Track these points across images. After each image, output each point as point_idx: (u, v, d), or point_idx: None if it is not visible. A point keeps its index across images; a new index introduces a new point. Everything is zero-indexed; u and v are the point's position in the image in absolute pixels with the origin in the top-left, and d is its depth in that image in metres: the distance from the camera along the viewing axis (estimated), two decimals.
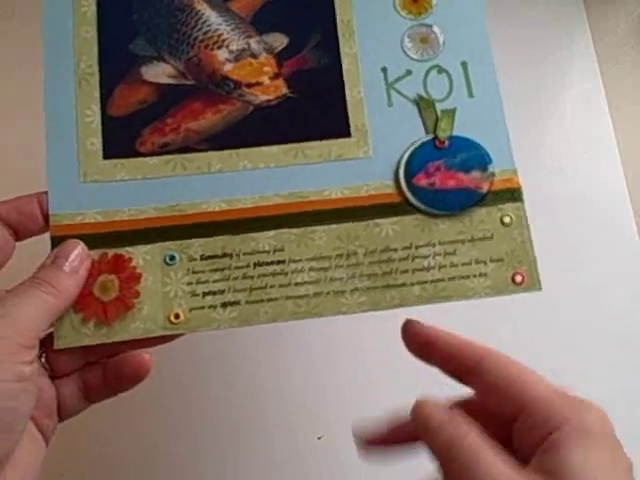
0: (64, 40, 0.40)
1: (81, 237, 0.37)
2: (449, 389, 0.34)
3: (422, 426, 0.32)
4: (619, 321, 0.50)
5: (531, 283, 0.38)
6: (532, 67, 0.58)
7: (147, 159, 0.39)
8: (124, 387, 0.38)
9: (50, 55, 0.40)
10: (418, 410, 0.32)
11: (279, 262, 0.38)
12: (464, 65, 0.41)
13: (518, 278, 0.38)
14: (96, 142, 0.39)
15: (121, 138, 0.39)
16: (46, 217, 0.38)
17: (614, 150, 0.58)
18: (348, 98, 0.41)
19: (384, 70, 0.41)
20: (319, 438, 0.53)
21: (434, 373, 0.35)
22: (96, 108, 0.40)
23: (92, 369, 0.38)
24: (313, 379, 0.54)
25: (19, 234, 0.38)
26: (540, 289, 0.38)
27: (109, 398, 0.39)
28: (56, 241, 0.37)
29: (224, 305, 0.37)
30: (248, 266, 0.38)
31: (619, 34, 0.61)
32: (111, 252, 0.37)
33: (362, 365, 0.54)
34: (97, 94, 0.40)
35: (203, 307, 0.37)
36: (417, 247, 0.38)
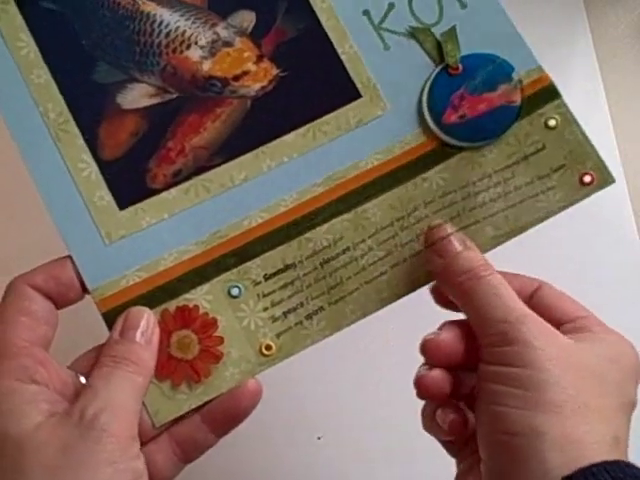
0: (18, 94, 0.35)
1: (133, 302, 0.34)
2: None
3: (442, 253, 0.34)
4: (619, 321, 0.50)
5: (602, 179, 0.36)
6: None
7: (165, 194, 0.35)
8: (235, 424, 0.34)
9: (11, 117, 0.35)
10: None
11: (345, 251, 0.35)
12: None
13: (587, 178, 0.36)
14: (104, 195, 0.35)
15: (129, 181, 0.35)
16: (82, 283, 0.34)
17: (614, 150, 0.57)
18: (342, 56, 0.37)
19: (366, 13, 0.38)
20: (319, 438, 0.52)
21: None
22: (87, 158, 0.35)
23: (184, 423, 0.35)
24: (313, 379, 0.53)
25: (58, 305, 0.34)
26: (614, 181, 0.36)
27: (209, 449, 0.36)
28: (109, 316, 0.34)
29: (309, 317, 0.35)
30: (316, 268, 0.35)
31: (619, 34, 0.60)
32: (171, 306, 0.34)
33: (362, 365, 0.53)
34: (82, 142, 0.35)
35: (290, 328, 0.35)
36: (474, 183, 0.36)
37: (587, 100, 0.59)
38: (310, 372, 0.49)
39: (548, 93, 0.37)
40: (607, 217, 0.53)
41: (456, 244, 0.34)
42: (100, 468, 0.29)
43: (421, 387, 0.34)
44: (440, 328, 0.35)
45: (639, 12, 0.61)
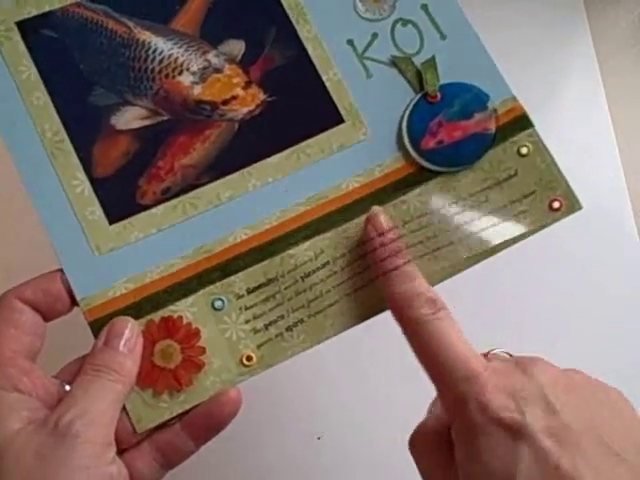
0: (17, 114, 0.37)
1: (119, 312, 0.35)
2: None
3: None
4: (619, 321, 0.51)
5: (570, 206, 0.38)
6: (532, 67, 0.57)
7: (154, 210, 0.37)
8: (214, 432, 0.35)
9: (9, 135, 0.37)
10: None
11: (324, 265, 0.37)
12: (425, 8, 0.40)
13: (556, 204, 0.38)
14: (96, 210, 0.36)
15: (120, 197, 0.37)
16: (72, 296, 0.35)
17: (614, 150, 0.58)
18: (327, 83, 0.39)
19: (350, 42, 0.40)
20: (319, 438, 0.52)
21: None
22: (81, 175, 0.37)
23: (165, 430, 0.35)
24: (313, 379, 0.53)
25: (47, 317, 0.35)
26: (581, 208, 0.38)
27: (190, 456, 0.37)
28: (95, 326, 0.35)
29: (289, 329, 0.36)
30: (296, 281, 0.36)
31: (619, 34, 0.61)
32: (156, 317, 0.35)
33: (362, 365, 0.53)
34: (76, 160, 0.37)
35: (270, 339, 0.36)
36: (449, 205, 0.38)
37: (587, 100, 0.60)
38: (310, 372, 0.50)
39: (521, 122, 0.39)
40: (607, 217, 0.53)
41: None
42: (74, 473, 0.30)
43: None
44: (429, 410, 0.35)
45: (639, 12, 0.61)
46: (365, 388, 0.53)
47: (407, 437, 0.34)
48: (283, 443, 0.52)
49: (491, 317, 0.54)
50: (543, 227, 0.38)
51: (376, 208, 0.37)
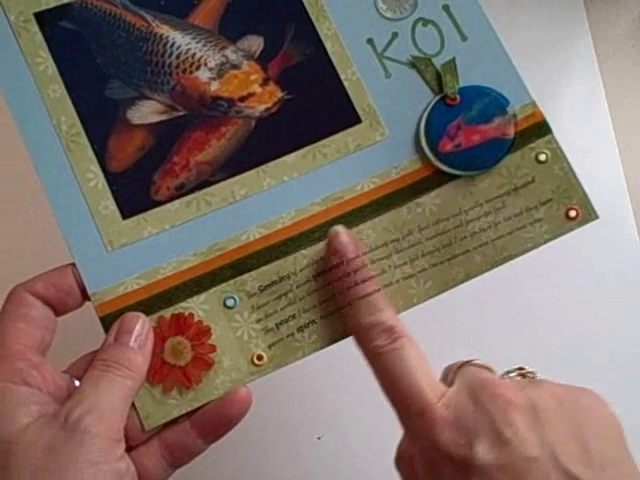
0: (33, 106, 0.37)
1: (130, 308, 0.35)
2: None
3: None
4: (619, 321, 0.51)
5: (586, 214, 0.37)
6: (532, 67, 0.55)
7: (168, 206, 0.37)
8: (224, 431, 0.35)
9: (25, 127, 0.37)
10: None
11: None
12: (446, 8, 0.40)
13: (572, 213, 0.37)
14: (109, 204, 0.36)
15: (134, 192, 0.37)
16: (83, 290, 0.35)
17: (614, 150, 0.58)
18: (345, 82, 0.39)
19: (370, 41, 0.39)
20: (319, 438, 0.52)
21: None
22: (95, 168, 0.37)
23: (174, 428, 0.35)
24: (313, 378, 0.53)
25: (58, 311, 0.35)
26: (597, 217, 0.37)
27: (199, 454, 0.36)
28: (106, 321, 0.35)
29: (300, 329, 0.36)
30: (309, 280, 0.36)
31: (619, 34, 0.61)
32: (167, 313, 0.35)
33: (362, 365, 0.53)
34: (91, 153, 0.37)
35: (282, 339, 0.36)
36: (466, 212, 0.37)
37: (587, 100, 0.59)
38: (310, 372, 0.50)
39: (540, 128, 0.38)
40: (607, 217, 0.52)
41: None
42: (83, 468, 0.30)
43: None
44: None
45: (639, 12, 0.61)
46: (365, 388, 0.52)
47: None
48: (283, 443, 0.52)
49: (491, 317, 0.54)
50: (559, 236, 0.37)
51: (336, 229, 0.36)
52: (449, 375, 0.32)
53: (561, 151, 0.38)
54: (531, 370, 0.35)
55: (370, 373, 0.34)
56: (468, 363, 0.33)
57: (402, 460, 0.33)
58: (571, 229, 0.37)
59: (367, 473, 0.49)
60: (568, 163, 0.38)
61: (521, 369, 0.35)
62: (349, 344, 0.35)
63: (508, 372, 0.35)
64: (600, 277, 0.56)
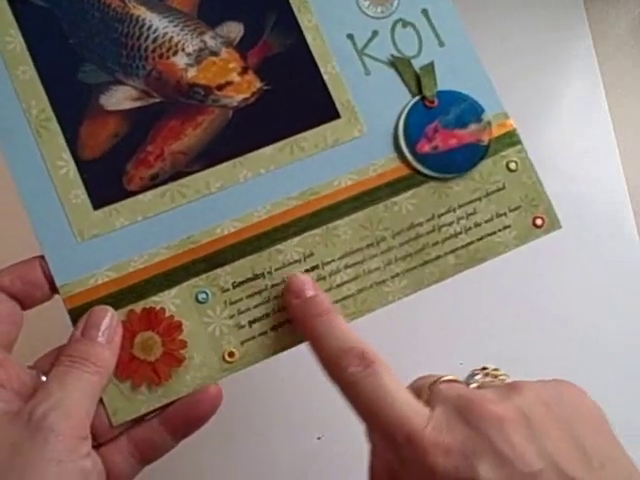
0: (1, 87, 0.36)
1: (100, 301, 0.34)
2: None
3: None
4: (619, 321, 0.51)
5: (550, 224, 0.38)
6: (532, 67, 0.56)
7: (140, 196, 0.36)
8: (193, 429, 0.35)
9: None
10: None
11: (313, 268, 0.36)
12: (425, 13, 0.39)
13: (538, 222, 0.38)
14: (80, 194, 0.35)
15: (106, 182, 0.36)
16: (51, 283, 0.34)
17: (614, 150, 0.58)
18: (325, 76, 0.38)
19: (350, 37, 0.39)
20: (319, 438, 0.52)
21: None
22: (66, 156, 0.36)
23: (143, 425, 0.35)
24: (313, 378, 0.53)
25: (25, 304, 0.34)
26: (560, 227, 0.38)
27: (169, 451, 0.36)
28: (75, 313, 0.34)
29: (274, 328, 0.35)
30: (284, 281, 0.36)
31: (619, 34, 0.61)
32: (138, 307, 0.35)
33: None
34: (62, 140, 0.36)
35: (254, 337, 0.35)
36: (439, 216, 0.37)
37: (587, 100, 0.60)
38: (310, 372, 0.49)
39: (511, 138, 0.39)
40: (607, 217, 0.53)
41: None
42: (47, 467, 0.29)
43: None
44: None
45: (639, 12, 0.61)
46: None
47: None
48: (283, 443, 0.52)
49: (490, 317, 0.54)
50: (526, 242, 0.38)
51: (293, 275, 0.36)
52: (422, 395, 0.31)
53: (530, 161, 0.39)
54: (495, 367, 0.36)
55: None
56: (438, 381, 0.31)
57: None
58: (537, 237, 0.38)
59: (366, 473, 0.49)
60: (535, 173, 0.38)
61: (485, 369, 0.36)
62: None
63: (473, 374, 0.35)
64: (600, 277, 0.57)
